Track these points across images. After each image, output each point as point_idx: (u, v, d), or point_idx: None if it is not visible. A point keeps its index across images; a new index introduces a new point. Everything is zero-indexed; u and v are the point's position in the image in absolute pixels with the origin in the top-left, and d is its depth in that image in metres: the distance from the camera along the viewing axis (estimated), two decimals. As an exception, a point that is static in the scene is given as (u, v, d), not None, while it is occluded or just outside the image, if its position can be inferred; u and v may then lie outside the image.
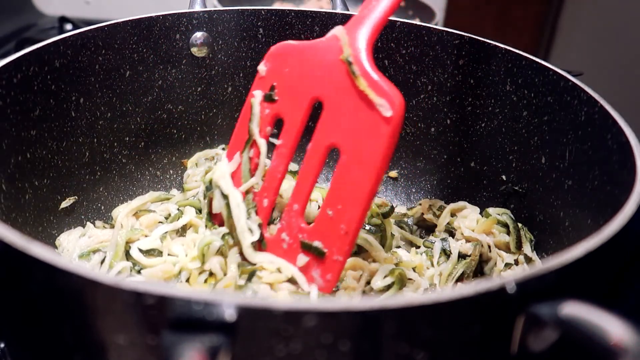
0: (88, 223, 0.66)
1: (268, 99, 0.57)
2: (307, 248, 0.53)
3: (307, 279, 0.53)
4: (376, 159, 0.48)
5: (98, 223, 0.68)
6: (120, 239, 0.60)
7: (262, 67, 0.58)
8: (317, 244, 0.52)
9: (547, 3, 1.79)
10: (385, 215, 0.66)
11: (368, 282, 0.58)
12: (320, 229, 0.52)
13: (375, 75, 0.49)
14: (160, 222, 0.65)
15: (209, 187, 0.61)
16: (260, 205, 0.58)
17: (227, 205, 0.58)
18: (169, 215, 0.66)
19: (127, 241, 0.60)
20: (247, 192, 0.59)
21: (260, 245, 0.57)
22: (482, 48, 0.69)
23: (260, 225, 0.57)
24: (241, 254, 0.56)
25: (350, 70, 0.50)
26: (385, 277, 0.58)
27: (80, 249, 0.61)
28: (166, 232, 0.61)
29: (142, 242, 0.60)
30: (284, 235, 0.55)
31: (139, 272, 0.58)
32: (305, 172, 0.54)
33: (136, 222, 0.65)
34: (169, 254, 0.60)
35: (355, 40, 0.51)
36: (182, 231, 0.64)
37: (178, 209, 0.66)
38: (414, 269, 0.64)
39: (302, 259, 0.53)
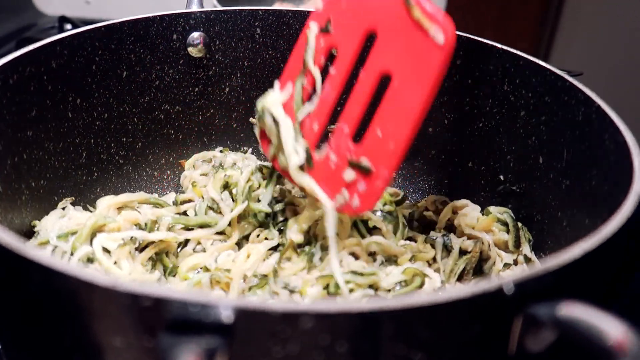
0: (68, 205, 0.65)
1: (324, 31, 0.60)
2: (354, 165, 0.55)
3: (350, 196, 0.55)
4: (428, 83, 0.51)
5: (77, 208, 0.66)
6: (89, 222, 0.59)
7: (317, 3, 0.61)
8: (364, 161, 0.54)
9: (547, 3, 1.78)
10: (398, 203, 0.69)
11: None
12: (368, 147, 0.55)
13: (428, 5, 0.52)
14: (138, 224, 0.63)
15: (261, 114, 0.62)
16: (310, 130, 0.60)
17: (277, 131, 0.60)
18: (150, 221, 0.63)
19: (97, 229, 0.59)
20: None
21: (308, 166, 0.59)
22: (479, 48, 0.69)
23: (307, 149, 0.59)
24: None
25: (406, 1, 0.53)
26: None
27: (59, 230, 0.60)
28: (130, 240, 0.59)
29: (104, 236, 0.59)
30: (332, 156, 0.57)
31: (89, 260, 0.57)
32: (356, 96, 0.57)
33: (117, 216, 0.63)
34: (115, 262, 0.58)
35: None
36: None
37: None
38: (428, 263, 0.64)
39: (350, 174, 0.55)
